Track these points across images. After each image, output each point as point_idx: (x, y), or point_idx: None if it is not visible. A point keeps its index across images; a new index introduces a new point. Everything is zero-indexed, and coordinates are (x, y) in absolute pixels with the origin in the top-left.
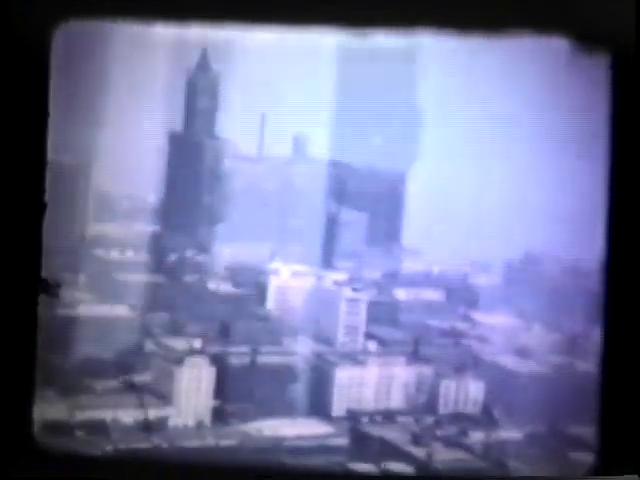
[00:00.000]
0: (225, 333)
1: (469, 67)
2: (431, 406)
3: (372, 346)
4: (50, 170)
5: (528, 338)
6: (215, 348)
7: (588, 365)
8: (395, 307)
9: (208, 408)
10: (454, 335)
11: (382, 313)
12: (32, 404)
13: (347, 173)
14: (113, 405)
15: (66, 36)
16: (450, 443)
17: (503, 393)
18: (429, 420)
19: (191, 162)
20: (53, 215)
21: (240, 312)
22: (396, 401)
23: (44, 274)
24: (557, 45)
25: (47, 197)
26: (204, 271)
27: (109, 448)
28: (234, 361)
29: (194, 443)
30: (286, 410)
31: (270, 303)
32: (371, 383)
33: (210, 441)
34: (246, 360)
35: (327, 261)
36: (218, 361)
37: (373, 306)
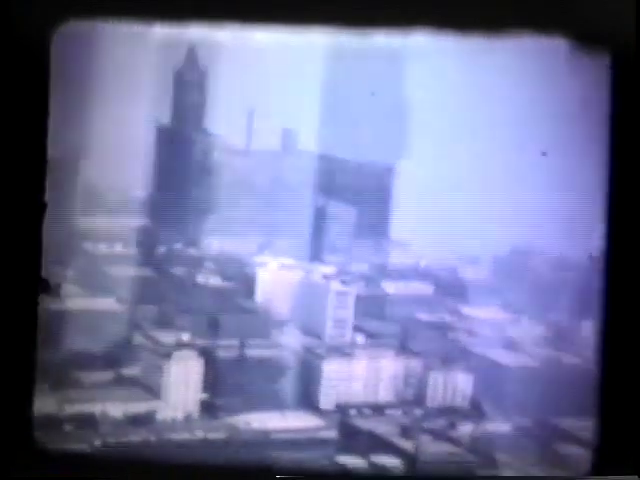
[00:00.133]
0: (214, 326)
1: (467, 66)
2: (419, 399)
3: (360, 339)
4: None
5: (517, 331)
6: (203, 341)
7: (577, 358)
8: (383, 300)
9: (196, 401)
10: (442, 328)
11: (370, 306)
12: (32, 404)
13: (336, 167)
14: (102, 398)
15: (66, 36)
16: (438, 436)
17: (492, 386)
18: (417, 413)
19: (180, 156)
20: None
21: (228, 305)
22: (384, 394)
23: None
24: (557, 45)
25: None
26: (192, 264)
27: (98, 443)
28: (222, 354)
29: (183, 436)
30: (275, 403)
31: (258, 296)
32: (359, 376)
33: (199, 434)
34: (234, 353)
35: (315, 254)
36: (206, 354)
37: (361, 299)
